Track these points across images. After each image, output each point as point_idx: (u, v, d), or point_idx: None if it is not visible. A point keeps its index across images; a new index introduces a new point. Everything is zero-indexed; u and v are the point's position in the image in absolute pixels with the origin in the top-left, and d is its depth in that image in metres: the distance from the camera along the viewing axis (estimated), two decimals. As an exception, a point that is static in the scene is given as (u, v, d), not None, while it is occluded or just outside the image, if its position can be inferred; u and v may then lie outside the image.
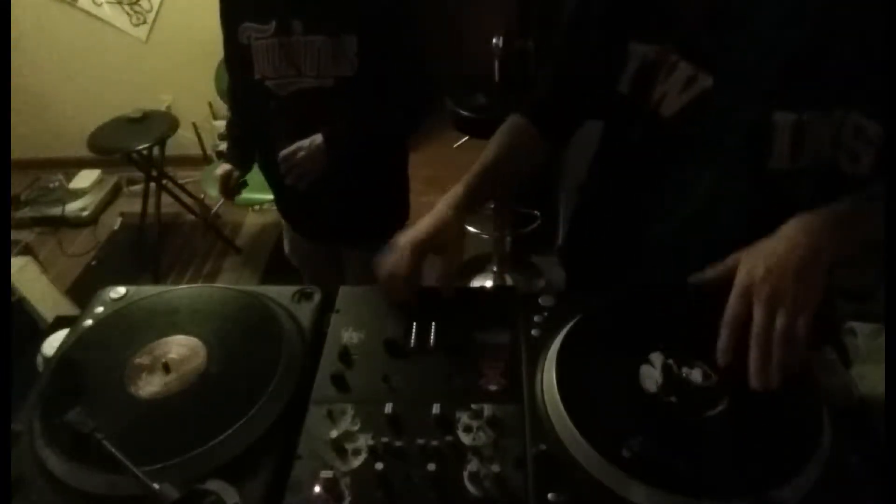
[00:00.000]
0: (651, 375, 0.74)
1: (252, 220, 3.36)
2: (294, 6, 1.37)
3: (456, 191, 0.96)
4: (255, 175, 1.73)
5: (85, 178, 3.50)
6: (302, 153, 1.42)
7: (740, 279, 0.73)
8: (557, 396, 0.71)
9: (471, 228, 2.96)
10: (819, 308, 0.70)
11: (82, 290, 2.70)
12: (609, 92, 0.96)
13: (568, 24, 1.03)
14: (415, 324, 0.85)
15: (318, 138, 1.42)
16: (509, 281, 2.73)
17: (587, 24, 1.00)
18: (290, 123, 1.45)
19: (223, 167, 1.65)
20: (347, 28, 1.35)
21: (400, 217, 1.73)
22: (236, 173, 1.65)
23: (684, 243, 0.96)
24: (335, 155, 1.44)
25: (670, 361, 0.74)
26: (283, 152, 1.42)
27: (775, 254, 0.73)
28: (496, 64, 2.43)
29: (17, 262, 2.01)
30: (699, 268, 0.91)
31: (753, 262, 0.73)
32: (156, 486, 0.62)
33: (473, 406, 0.73)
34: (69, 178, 3.51)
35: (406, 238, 0.89)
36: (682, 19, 0.88)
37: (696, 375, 0.73)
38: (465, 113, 2.34)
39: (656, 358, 0.75)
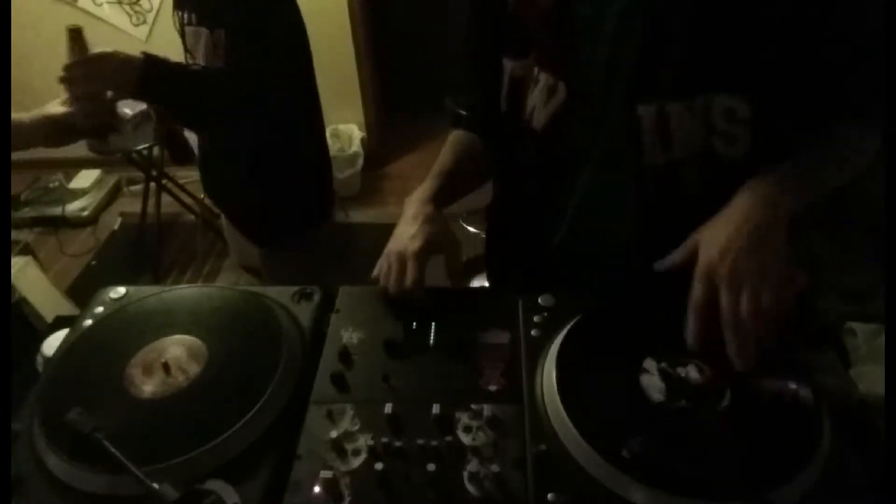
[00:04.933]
0: (653, 384, 0.73)
1: (252, 220, 3.35)
2: None
3: (422, 192, 0.95)
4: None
5: (85, 178, 3.50)
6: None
7: (700, 262, 0.72)
8: (557, 396, 0.71)
9: (471, 228, 2.96)
10: (793, 272, 0.71)
11: (82, 290, 2.70)
12: (496, 110, 0.97)
13: (462, 49, 1.05)
14: (415, 324, 0.85)
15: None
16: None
17: (472, 46, 1.03)
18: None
19: None
20: (218, 22, 1.39)
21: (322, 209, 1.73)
22: None
23: (581, 250, 0.96)
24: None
25: (664, 365, 0.74)
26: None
27: (728, 231, 0.73)
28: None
29: (17, 262, 2.01)
30: (602, 270, 0.91)
31: (710, 243, 0.73)
32: (156, 486, 0.62)
33: (473, 406, 0.73)
34: (69, 178, 3.51)
35: (404, 247, 0.87)
36: (536, 31, 0.88)
37: (692, 373, 0.73)
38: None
39: (650, 365, 0.74)
